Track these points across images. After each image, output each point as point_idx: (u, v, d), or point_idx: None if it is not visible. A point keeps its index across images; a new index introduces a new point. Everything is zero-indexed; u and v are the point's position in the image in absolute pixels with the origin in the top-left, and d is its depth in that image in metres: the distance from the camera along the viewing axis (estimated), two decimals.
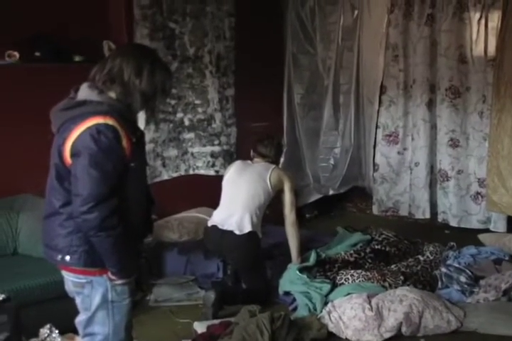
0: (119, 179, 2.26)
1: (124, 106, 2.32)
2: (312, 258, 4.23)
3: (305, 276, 4.03)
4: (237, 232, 4.00)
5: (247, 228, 4.00)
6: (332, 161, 6.15)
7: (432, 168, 5.66)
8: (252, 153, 4.34)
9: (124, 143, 2.25)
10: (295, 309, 3.99)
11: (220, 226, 4.08)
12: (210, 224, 4.18)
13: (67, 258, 2.35)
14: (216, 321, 3.76)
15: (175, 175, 5.28)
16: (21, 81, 4.24)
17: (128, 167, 2.29)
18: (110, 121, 2.23)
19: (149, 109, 2.44)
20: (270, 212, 4.35)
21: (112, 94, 2.33)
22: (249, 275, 4.15)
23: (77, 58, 4.47)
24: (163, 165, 5.19)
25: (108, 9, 4.75)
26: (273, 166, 4.22)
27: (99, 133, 2.20)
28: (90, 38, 4.50)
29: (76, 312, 2.50)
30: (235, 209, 4.07)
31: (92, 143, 2.20)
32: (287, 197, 4.19)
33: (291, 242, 4.21)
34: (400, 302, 3.67)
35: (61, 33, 4.33)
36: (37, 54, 4.27)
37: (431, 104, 5.55)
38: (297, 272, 4.05)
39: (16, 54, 4.15)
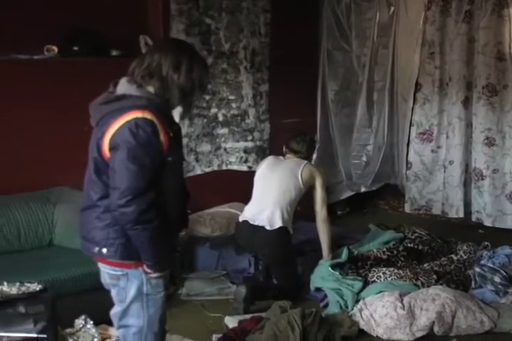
0: (156, 173, 2.28)
1: (162, 101, 2.34)
2: (344, 254, 4.22)
3: (337, 273, 4.02)
4: (267, 227, 4.01)
5: (278, 223, 4.01)
6: (365, 158, 6.12)
7: (466, 167, 5.59)
8: (284, 149, 4.36)
9: (162, 137, 2.27)
10: (326, 305, 3.99)
11: (251, 222, 4.10)
12: (241, 219, 4.20)
13: (104, 250, 2.38)
14: (247, 316, 3.77)
15: (208, 170, 5.31)
16: (59, 75, 4.29)
17: (165, 161, 2.31)
18: (148, 116, 2.24)
19: (186, 104, 2.46)
20: (301, 208, 4.35)
21: (151, 89, 2.35)
22: (280, 271, 4.16)
23: (114, 53, 4.52)
24: (197, 159, 5.22)
25: (145, 4, 4.79)
26: (305, 162, 4.22)
27: (138, 127, 2.22)
28: (127, 33, 4.55)
29: (111, 304, 2.53)
30: (266, 205, 4.08)
31: (131, 137, 2.22)
32: (318, 193, 4.20)
33: (322, 238, 4.22)
34: (433, 302, 3.64)
35: (99, 27, 4.37)
36: (75, 48, 4.33)
37: (467, 102, 5.49)
38: (329, 268, 4.05)
39: (55, 48, 4.20)
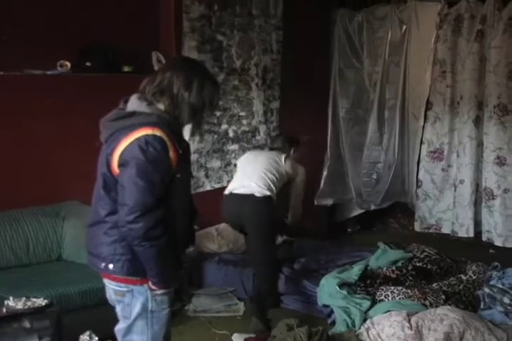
0: (165, 190, 2.29)
1: (171, 118, 2.35)
2: (355, 275, 4.16)
3: (345, 292, 4.00)
4: (257, 194, 4.04)
5: (267, 192, 4.05)
6: (375, 176, 6.10)
7: (477, 186, 5.56)
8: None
9: (171, 154, 2.28)
10: (333, 322, 3.96)
11: (238, 191, 4.12)
12: (227, 192, 4.22)
13: (111, 266, 2.38)
14: (253, 334, 3.76)
15: (217, 186, 5.31)
16: (72, 90, 4.33)
17: (174, 178, 2.32)
18: (158, 133, 2.26)
19: (196, 122, 2.47)
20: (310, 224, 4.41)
21: (161, 106, 2.37)
22: (261, 247, 4.09)
23: (126, 69, 4.56)
24: (206, 175, 5.23)
25: (158, 21, 4.83)
26: (285, 154, 4.33)
27: (148, 144, 2.24)
28: (139, 49, 4.59)
29: (116, 320, 2.53)
30: (253, 178, 4.13)
31: (140, 153, 2.23)
32: (298, 188, 4.36)
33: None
34: (441, 322, 3.60)
35: (111, 43, 4.42)
36: (87, 64, 4.38)
37: (478, 121, 5.47)
38: (337, 288, 4.02)
39: (68, 64, 4.25)
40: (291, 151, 4.45)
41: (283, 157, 4.26)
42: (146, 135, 2.25)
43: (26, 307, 2.83)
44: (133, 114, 2.33)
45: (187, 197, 2.48)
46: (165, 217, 2.28)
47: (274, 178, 4.14)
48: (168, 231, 2.30)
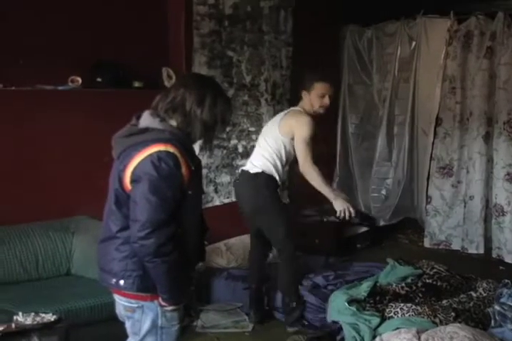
0: (176, 206, 2.30)
1: (184, 135, 2.36)
2: (364, 291, 4.14)
3: (354, 308, 3.97)
4: (250, 171, 4.02)
5: (258, 168, 3.99)
6: (384, 192, 6.10)
7: (487, 202, 5.55)
8: None
9: (184, 170, 2.29)
10: (342, 339, 3.93)
11: (241, 170, 4.17)
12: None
13: (122, 282, 2.38)
14: None
15: (226, 201, 5.32)
16: (83, 105, 4.36)
17: (186, 194, 2.32)
18: (171, 149, 2.27)
19: (208, 138, 2.47)
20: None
21: (173, 123, 2.38)
22: (267, 223, 4.02)
23: (136, 84, 4.59)
24: (216, 190, 5.24)
25: (168, 37, 4.87)
26: (290, 109, 4.18)
27: (160, 160, 2.24)
28: (150, 65, 4.62)
29: (125, 336, 2.53)
30: (254, 155, 4.13)
31: (153, 169, 2.24)
32: (296, 147, 3.93)
33: (317, 184, 3.90)
34: (451, 340, 3.56)
35: (122, 59, 4.45)
36: (98, 80, 4.40)
37: (488, 137, 5.47)
38: (346, 304, 4.00)
39: (79, 79, 4.28)
40: (301, 102, 4.13)
41: (284, 114, 4.08)
42: (159, 151, 2.26)
43: (35, 322, 2.82)
44: (146, 130, 2.34)
45: (198, 213, 2.48)
46: (176, 233, 2.29)
47: (271, 150, 3.99)
48: (179, 248, 2.30)
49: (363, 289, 4.17)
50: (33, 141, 4.19)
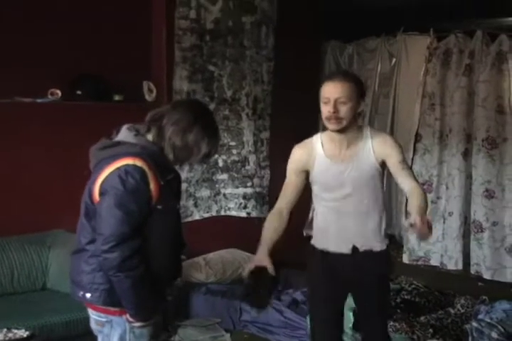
0: (143, 220, 2.28)
1: (158, 150, 2.35)
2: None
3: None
4: None
5: None
6: None
7: (465, 219, 5.57)
8: None
9: (152, 185, 2.28)
10: None
11: None
12: None
13: (88, 295, 2.37)
14: None
15: (206, 215, 5.30)
16: (62, 118, 4.34)
17: (154, 209, 2.31)
18: (139, 163, 2.27)
19: (178, 160, 2.43)
20: None
21: (150, 137, 2.38)
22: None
23: (116, 97, 4.57)
24: (195, 205, 5.21)
25: (150, 51, 4.86)
26: None
27: (127, 173, 2.25)
28: (131, 78, 4.61)
29: None
30: None
31: (119, 183, 2.24)
32: None
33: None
34: None
35: (103, 72, 4.43)
36: (78, 92, 4.39)
37: (467, 154, 5.50)
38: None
39: (59, 92, 4.26)
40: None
41: None
42: (127, 165, 2.26)
43: (7, 338, 2.79)
44: (118, 143, 2.36)
45: (172, 229, 2.45)
46: (142, 248, 2.27)
47: None
48: (147, 263, 2.28)
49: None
50: (10, 154, 4.15)
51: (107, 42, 4.55)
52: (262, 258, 2.74)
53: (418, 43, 5.78)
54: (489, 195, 5.36)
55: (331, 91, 2.76)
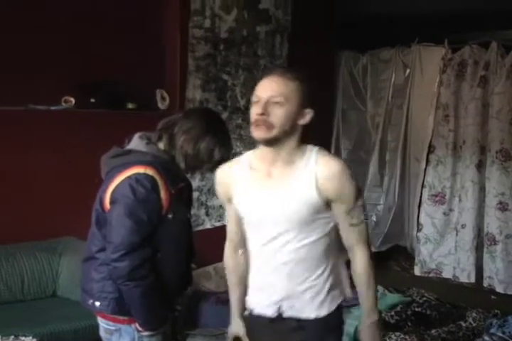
0: (153, 229, 2.28)
1: (169, 158, 2.35)
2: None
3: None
4: None
5: None
6: (374, 218, 6.07)
7: (479, 231, 5.52)
8: None
9: (163, 194, 2.28)
10: None
11: None
12: None
13: (97, 303, 2.36)
14: None
15: (217, 224, 5.28)
16: (75, 126, 4.34)
17: (165, 218, 2.30)
18: (150, 172, 2.26)
19: (190, 169, 2.43)
20: None
21: (161, 145, 2.37)
22: None
23: (130, 105, 4.58)
24: (207, 213, 5.21)
25: (163, 59, 4.87)
26: None
27: (138, 182, 2.24)
28: (144, 87, 4.61)
29: None
30: None
31: (130, 192, 2.24)
32: None
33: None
34: None
35: (116, 80, 4.44)
36: (92, 100, 4.39)
37: (480, 166, 5.46)
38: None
39: (72, 100, 4.27)
40: None
41: None
42: (138, 173, 2.26)
43: None
44: (129, 152, 2.36)
45: (183, 238, 2.44)
46: (152, 257, 2.26)
47: None
48: (157, 272, 2.28)
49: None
50: (23, 162, 4.16)
51: (121, 50, 4.56)
52: (237, 330, 2.36)
53: (433, 54, 5.76)
54: (503, 207, 5.31)
55: (265, 88, 2.10)
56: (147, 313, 2.31)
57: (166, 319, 2.41)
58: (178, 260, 2.42)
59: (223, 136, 2.42)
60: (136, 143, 2.38)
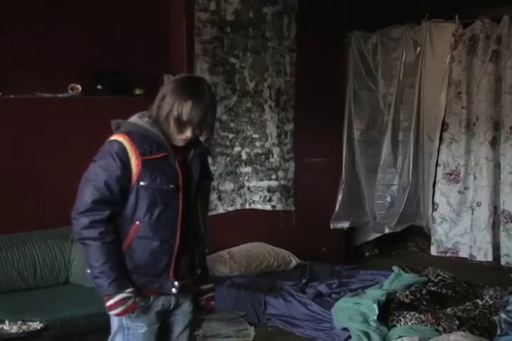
0: (119, 195, 2.27)
1: (150, 126, 2.31)
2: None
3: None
4: None
5: None
6: (389, 199, 6.01)
7: (495, 209, 5.45)
8: None
9: (133, 160, 2.27)
10: None
11: None
12: None
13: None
14: None
15: (230, 209, 5.28)
16: (83, 113, 4.34)
17: (137, 185, 2.28)
18: (121, 138, 2.28)
19: (178, 131, 2.30)
20: None
21: (152, 112, 2.35)
22: None
23: (137, 91, 4.58)
24: (219, 198, 5.20)
25: (170, 44, 4.85)
26: None
27: (104, 149, 2.31)
28: (151, 72, 4.60)
29: None
30: None
31: (97, 156, 2.32)
32: None
33: None
34: None
35: (123, 66, 4.44)
36: (99, 87, 4.40)
37: (494, 142, 5.38)
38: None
39: (79, 87, 4.28)
40: None
41: None
42: (110, 140, 2.31)
43: (21, 331, 2.80)
44: (119, 124, 2.40)
45: (167, 211, 2.31)
46: (109, 221, 2.26)
47: None
48: (128, 242, 2.28)
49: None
50: (32, 149, 4.17)
51: (126, 36, 4.56)
52: None
53: (443, 30, 5.66)
54: None
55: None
56: (95, 275, 2.26)
57: (117, 289, 2.25)
58: (159, 234, 2.30)
59: (184, 94, 2.27)
60: (133, 117, 2.41)
